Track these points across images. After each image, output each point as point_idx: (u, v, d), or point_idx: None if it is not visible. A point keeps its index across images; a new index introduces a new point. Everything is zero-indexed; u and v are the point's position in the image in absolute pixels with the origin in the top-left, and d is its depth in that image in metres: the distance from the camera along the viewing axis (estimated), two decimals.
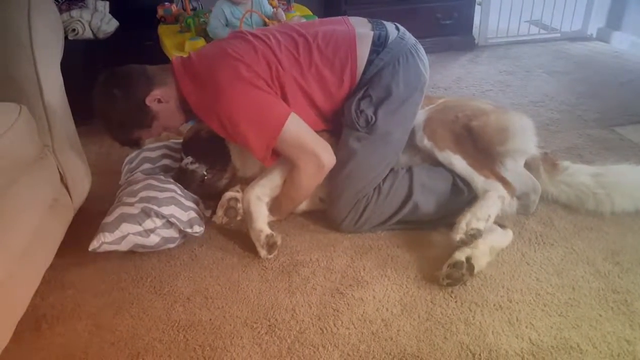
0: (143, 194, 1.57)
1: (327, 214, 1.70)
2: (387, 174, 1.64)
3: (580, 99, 2.64)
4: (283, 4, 2.38)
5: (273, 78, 1.56)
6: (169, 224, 1.55)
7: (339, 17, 1.77)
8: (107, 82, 1.59)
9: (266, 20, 2.23)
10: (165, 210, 1.54)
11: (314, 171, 1.60)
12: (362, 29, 1.67)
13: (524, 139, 1.67)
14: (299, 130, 1.57)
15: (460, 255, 1.43)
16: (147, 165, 1.84)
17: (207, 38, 2.29)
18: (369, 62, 1.62)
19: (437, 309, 1.35)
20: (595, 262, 1.49)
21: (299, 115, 1.58)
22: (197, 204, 1.68)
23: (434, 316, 1.33)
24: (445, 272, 1.42)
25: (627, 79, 2.86)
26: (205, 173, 1.78)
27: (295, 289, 1.45)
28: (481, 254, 1.46)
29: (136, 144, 1.72)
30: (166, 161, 1.88)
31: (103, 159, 2.14)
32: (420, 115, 1.72)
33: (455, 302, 1.37)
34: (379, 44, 1.63)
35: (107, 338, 1.31)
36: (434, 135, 1.67)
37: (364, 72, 1.63)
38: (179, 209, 1.57)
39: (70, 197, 1.62)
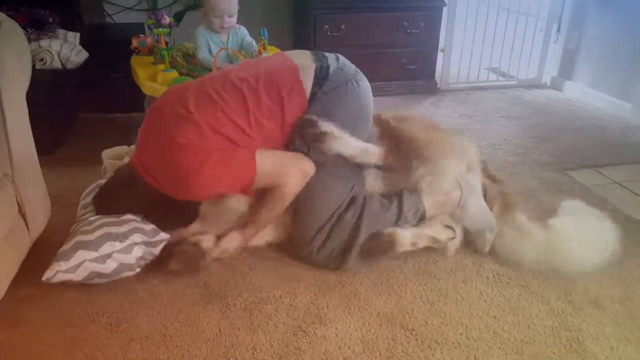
0: (99, 222, 1.56)
1: (293, 241, 1.71)
2: (349, 205, 1.67)
3: (536, 143, 2.78)
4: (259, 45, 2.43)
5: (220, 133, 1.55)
6: (130, 248, 1.52)
7: (277, 53, 1.82)
8: None
9: (240, 56, 2.27)
10: (128, 234, 1.53)
11: (299, 180, 1.64)
12: (302, 60, 1.70)
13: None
14: (271, 160, 1.62)
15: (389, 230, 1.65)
16: None
17: (180, 70, 2.31)
18: (313, 95, 1.66)
19: (398, 347, 1.36)
20: (550, 301, 1.55)
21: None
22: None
23: (395, 354, 1.34)
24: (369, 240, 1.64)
25: (578, 126, 3.04)
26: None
27: (257, 326, 1.43)
28: (404, 232, 1.66)
29: None
30: None
31: (64, 190, 2.09)
32: None
33: (416, 340, 1.39)
34: (321, 76, 1.67)
35: None
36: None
37: (309, 105, 1.66)
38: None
39: (28, 228, 1.58)
